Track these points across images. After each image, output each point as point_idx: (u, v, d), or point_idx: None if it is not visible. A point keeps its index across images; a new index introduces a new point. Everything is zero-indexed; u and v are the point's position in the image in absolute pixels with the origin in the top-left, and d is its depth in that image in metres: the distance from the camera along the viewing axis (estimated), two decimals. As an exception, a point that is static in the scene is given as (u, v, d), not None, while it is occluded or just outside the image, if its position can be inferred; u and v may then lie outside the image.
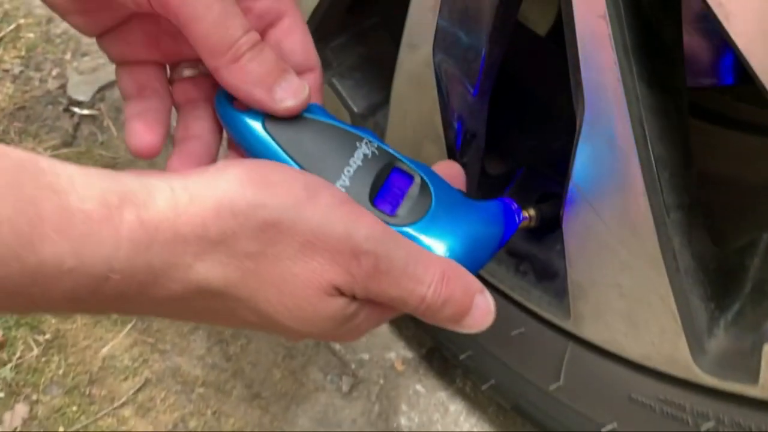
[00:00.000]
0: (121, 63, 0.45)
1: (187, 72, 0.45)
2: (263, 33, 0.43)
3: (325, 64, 0.74)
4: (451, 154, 0.61)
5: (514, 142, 0.67)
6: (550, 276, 0.60)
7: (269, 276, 0.34)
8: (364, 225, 0.35)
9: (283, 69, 0.40)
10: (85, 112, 1.03)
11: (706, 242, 0.46)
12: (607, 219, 0.48)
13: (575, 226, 0.51)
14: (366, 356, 0.81)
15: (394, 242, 0.36)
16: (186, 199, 0.33)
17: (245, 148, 0.42)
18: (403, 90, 0.61)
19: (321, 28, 0.70)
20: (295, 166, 0.40)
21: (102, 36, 0.44)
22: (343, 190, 0.39)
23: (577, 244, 0.52)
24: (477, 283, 0.40)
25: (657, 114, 0.43)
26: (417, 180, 0.41)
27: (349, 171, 0.40)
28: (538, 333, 0.61)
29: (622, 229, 0.47)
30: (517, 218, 0.45)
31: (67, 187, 0.30)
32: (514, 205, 0.45)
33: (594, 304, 0.53)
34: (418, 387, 0.79)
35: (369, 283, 0.36)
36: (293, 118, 0.41)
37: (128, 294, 0.32)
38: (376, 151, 0.41)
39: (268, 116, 0.40)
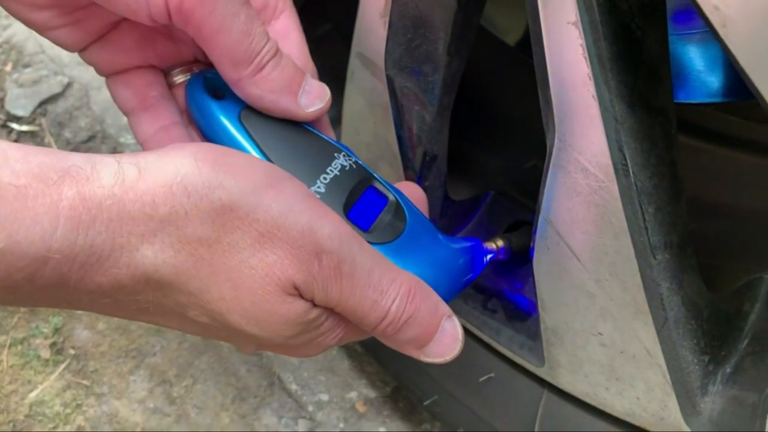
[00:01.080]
0: (112, 73, 0.41)
1: (180, 78, 0.42)
2: None
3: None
4: (410, 178, 0.54)
5: (480, 163, 0.60)
6: (522, 315, 0.53)
7: (224, 268, 0.31)
8: (328, 223, 0.33)
9: (302, 73, 0.39)
10: (25, 128, 0.95)
11: (698, 286, 0.40)
12: (583, 259, 0.41)
13: (547, 264, 0.44)
14: (324, 397, 0.74)
15: (359, 247, 0.34)
16: (134, 175, 0.30)
17: (214, 139, 0.39)
18: (355, 106, 0.55)
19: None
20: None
21: (89, 47, 0.40)
22: (318, 196, 0.37)
23: (550, 285, 0.45)
24: (445, 307, 0.37)
25: (640, 138, 0.36)
26: (392, 202, 0.40)
27: (325, 178, 0.38)
28: (510, 379, 0.54)
29: (601, 271, 0.41)
30: (484, 260, 0.44)
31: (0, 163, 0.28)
32: (484, 247, 0.44)
33: (571, 352, 0.47)
34: (382, 429, 0.72)
35: (329, 285, 0.33)
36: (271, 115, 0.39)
37: (69, 280, 0.29)
38: (354, 166, 0.40)
39: (245, 109, 0.39)
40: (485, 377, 0.56)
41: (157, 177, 0.30)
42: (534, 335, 0.51)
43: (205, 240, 0.31)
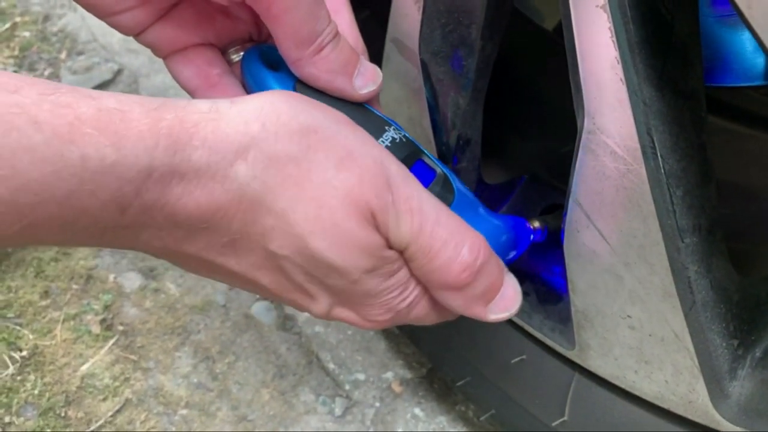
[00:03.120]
0: (171, 53, 0.42)
1: (237, 57, 0.43)
2: None
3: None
4: (444, 161, 0.55)
5: (515, 147, 0.61)
6: (554, 298, 0.54)
7: (309, 186, 0.33)
8: (394, 162, 0.36)
9: (357, 55, 0.40)
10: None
11: (727, 270, 0.40)
12: (612, 242, 0.41)
13: (577, 247, 0.45)
14: (361, 376, 0.75)
15: (422, 189, 0.36)
16: (227, 104, 0.33)
17: None
18: (390, 90, 0.56)
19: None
20: None
21: (148, 28, 0.41)
22: None
23: (580, 268, 0.45)
24: (502, 262, 0.39)
25: (668, 122, 0.36)
26: (440, 175, 0.42)
27: None
28: (541, 361, 0.55)
29: (629, 255, 0.41)
30: (531, 237, 0.46)
31: (105, 95, 0.31)
32: (528, 226, 0.46)
33: (600, 335, 0.47)
34: (417, 411, 0.73)
35: (402, 219, 0.35)
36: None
37: (171, 195, 0.31)
38: (404, 139, 0.41)
39: (300, 81, 0.40)
40: (517, 359, 0.56)
41: (248, 104, 0.33)
42: (565, 318, 0.51)
43: (293, 157, 0.33)
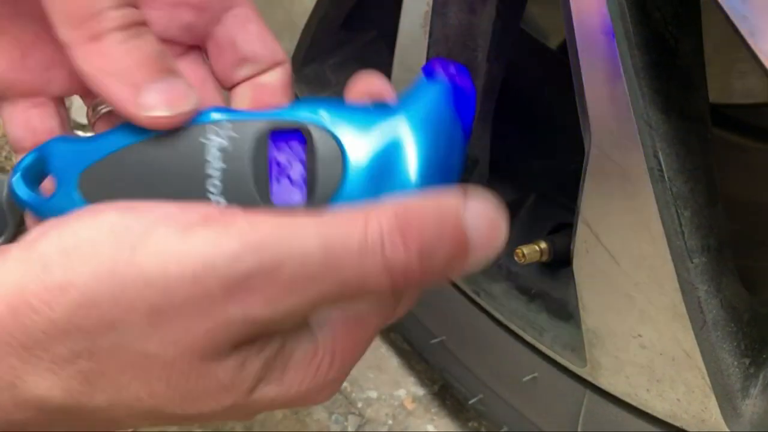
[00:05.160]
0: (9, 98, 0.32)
1: (105, 108, 0.33)
2: (208, 34, 0.32)
3: (324, 83, 0.69)
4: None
5: (522, 165, 0.61)
6: (564, 317, 0.54)
7: (122, 371, 0.24)
8: (228, 241, 0.23)
9: (166, 68, 0.28)
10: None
11: (737, 289, 0.40)
12: (622, 262, 0.42)
13: (586, 267, 0.45)
14: (374, 394, 0.76)
15: (292, 226, 0.24)
16: None
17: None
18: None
19: (315, 45, 0.65)
20: None
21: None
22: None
23: (589, 287, 0.46)
24: (449, 196, 0.25)
25: (674, 144, 0.37)
26: (310, 132, 0.28)
27: (213, 184, 0.28)
28: (553, 379, 0.55)
29: (639, 275, 0.41)
30: (466, 92, 0.30)
31: None
32: (438, 73, 0.30)
33: (612, 354, 0.47)
34: (430, 427, 0.73)
35: (278, 303, 0.24)
36: (103, 165, 0.29)
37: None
38: (233, 133, 0.28)
39: (83, 173, 0.29)
40: (529, 377, 0.57)
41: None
42: (576, 337, 0.51)
43: (82, 352, 0.24)
